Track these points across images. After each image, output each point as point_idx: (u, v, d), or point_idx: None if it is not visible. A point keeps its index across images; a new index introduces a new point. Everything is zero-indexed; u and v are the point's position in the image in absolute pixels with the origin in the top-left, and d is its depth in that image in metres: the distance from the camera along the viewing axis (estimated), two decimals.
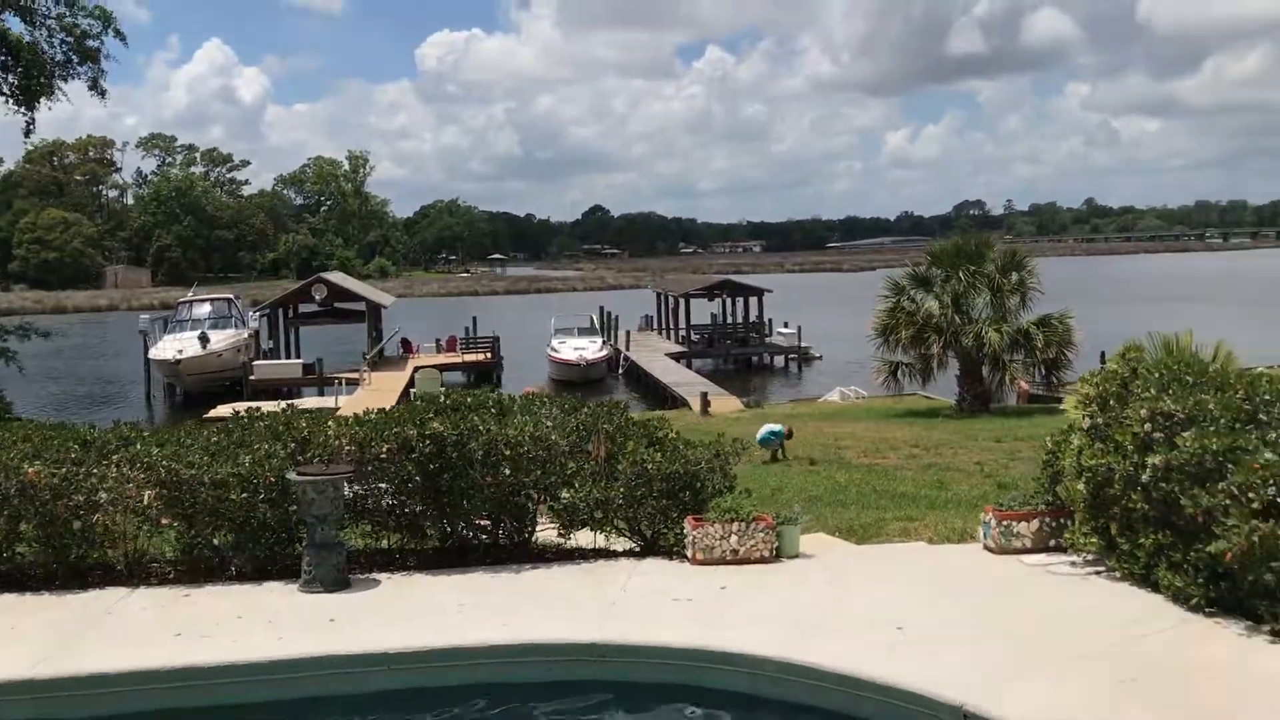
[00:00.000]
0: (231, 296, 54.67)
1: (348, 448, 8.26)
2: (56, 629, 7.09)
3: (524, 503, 8.64)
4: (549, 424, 8.61)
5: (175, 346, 46.42)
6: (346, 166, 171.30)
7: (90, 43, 28.42)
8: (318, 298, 51.38)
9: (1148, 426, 7.43)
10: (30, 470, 7.69)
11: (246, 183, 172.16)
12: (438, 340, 56.82)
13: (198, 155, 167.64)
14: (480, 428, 8.29)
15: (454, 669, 6.64)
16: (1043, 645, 6.50)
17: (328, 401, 41.43)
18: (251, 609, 7.44)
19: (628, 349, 54.70)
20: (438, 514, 8.48)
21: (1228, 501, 6.73)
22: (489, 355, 52.56)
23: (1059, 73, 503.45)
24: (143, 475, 7.96)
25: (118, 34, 29.07)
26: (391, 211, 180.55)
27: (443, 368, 52.69)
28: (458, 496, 8.39)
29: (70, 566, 8.00)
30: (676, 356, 53.32)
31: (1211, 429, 7.13)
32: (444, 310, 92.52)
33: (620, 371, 52.79)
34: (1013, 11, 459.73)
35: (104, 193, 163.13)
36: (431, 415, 8.41)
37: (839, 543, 9.88)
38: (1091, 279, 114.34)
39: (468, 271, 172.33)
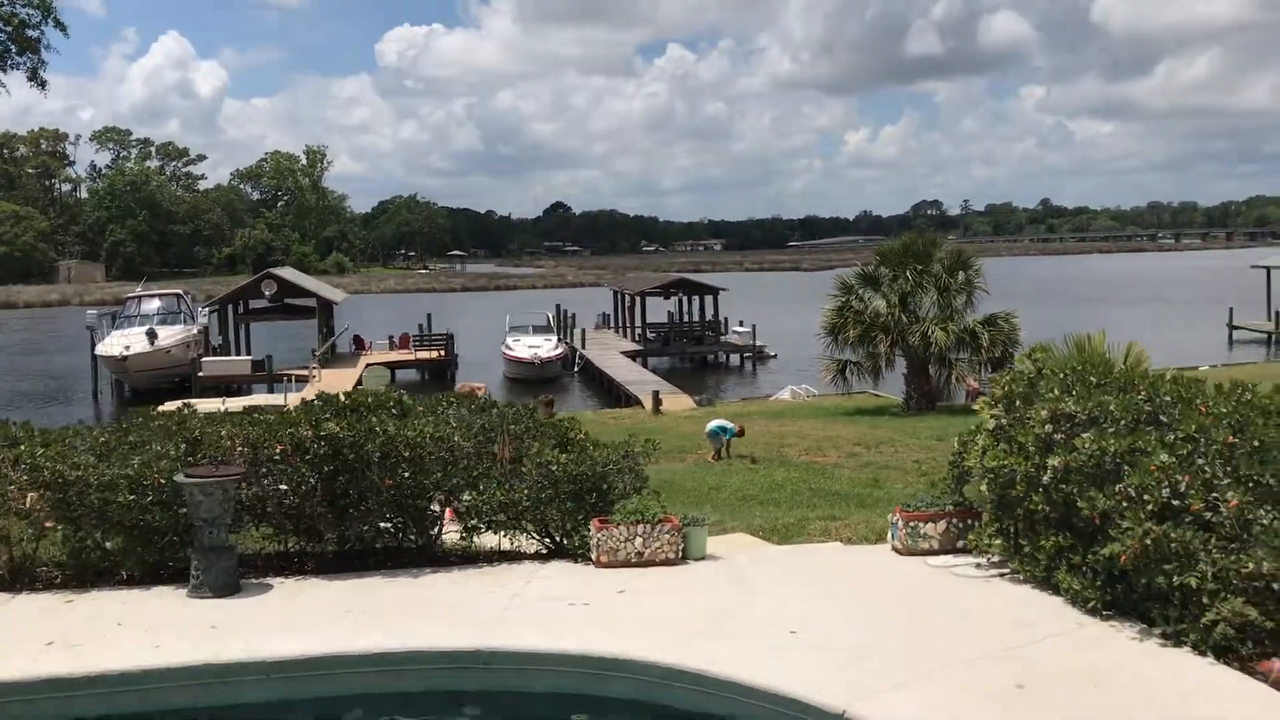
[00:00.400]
0: (180, 292, 53.87)
1: (240, 449, 8.02)
2: None
3: (425, 505, 8.44)
4: (452, 425, 8.40)
5: (123, 342, 45.69)
6: (304, 161, 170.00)
7: (30, 32, 27.92)
8: (267, 293, 50.77)
9: (1049, 428, 7.36)
10: None
11: (203, 177, 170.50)
12: (390, 337, 56.43)
13: (153, 149, 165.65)
14: (378, 429, 8.07)
15: (334, 678, 6.45)
16: (935, 648, 6.41)
17: (277, 399, 41.01)
18: (132, 616, 7.20)
19: (583, 347, 54.50)
20: (335, 517, 8.26)
21: (1124, 503, 6.66)
22: (442, 353, 52.15)
23: (1015, 75, 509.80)
24: (25, 477, 7.68)
25: (58, 24, 28.62)
26: (349, 207, 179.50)
27: (395, 365, 52.27)
28: (355, 499, 8.18)
29: None
30: (632, 355, 53.21)
31: (1111, 430, 7.06)
32: (401, 307, 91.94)
33: (575, 369, 52.57)
34: (969, 14, 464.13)
35: (57, 186, 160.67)
36: (328, 416, 8.18)
37: (759, 543, 9.78)
38: (1045, 279, 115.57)
39: (426, 268, 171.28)
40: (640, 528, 8.25)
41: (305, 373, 44.44)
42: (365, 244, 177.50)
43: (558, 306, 61.68)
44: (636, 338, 57.93)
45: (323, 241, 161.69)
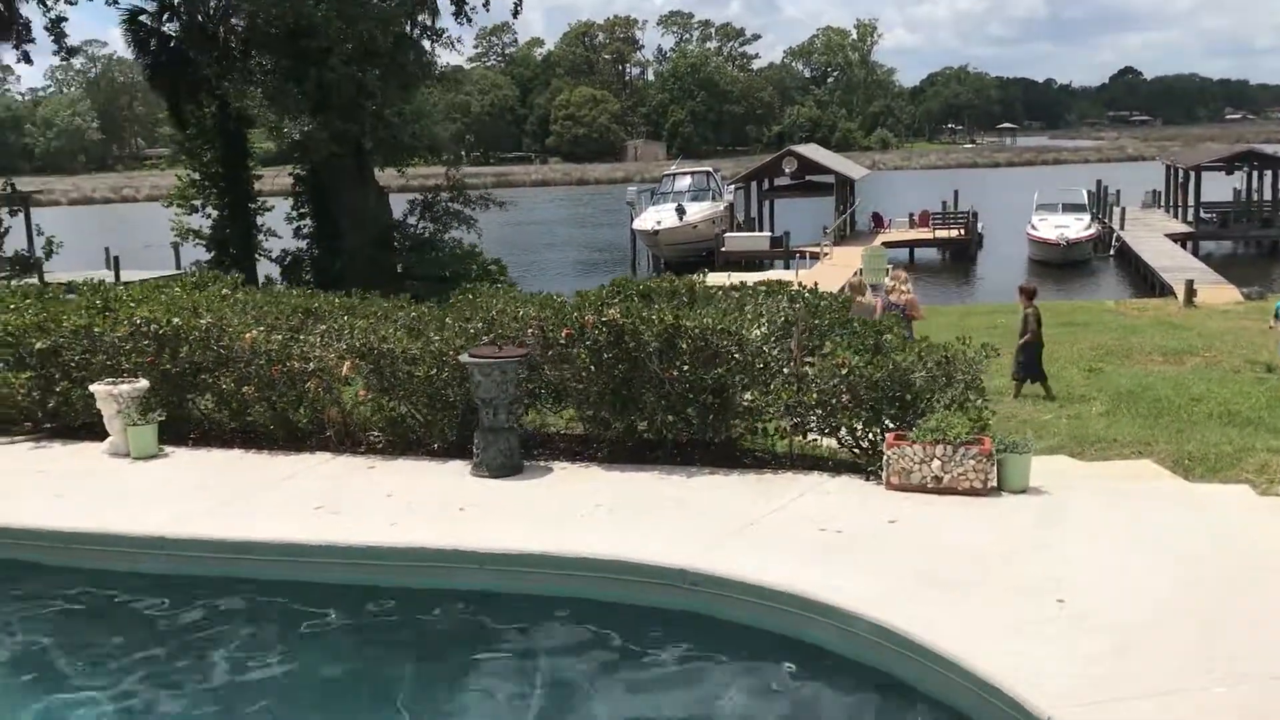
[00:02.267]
0: (710, 169, 56.19)
1: (532, 331, 7.87)
2: (230, 490, 7.51)
3: (715, 401, 7.78)
4: (748, 315, 7.60)
5: (655, 217, 48.70)
6: (854, 36, 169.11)
7: None
8: (788, 170, 51.37)
9: None
10: (247, 335, 8.13)
11: (756, 56, 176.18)
12: (911, 215, 54.80)
13: (713, 31, 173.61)
14: (655, 318, 7.50)
15: (544, 576, 6.13)
16: (1249, 645, 4.69)
17: (788, 274, 41.78)
18: (404, 489, 7.41)
19: (1122, 228, 49.14)
20: (621, 407, 7.89)
21: None
22: (963, 231, 49.76)
23: None
24: (344, 345, 8.13)
25: None
26: (897, 81, 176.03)
27: (914, 244, 50.88)
28: (636, 388, 7.73)
29: (290, 429, 8.43)
30: (1179, 238, 47.11)
31: None
32: (936, 183, 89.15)
33: (1111, 253, 47.72)
34: None
35: (628, 70, 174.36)
36: (614, 301, 7.74)
37: (1160, 474, 7.94)
38: None
39: (973, 142, 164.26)
40: (940, 449, 7.00)
41: (818, 250, 44.71)
42: (911, 119, 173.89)
43: (1098, 182, 56.14)
44: (1189, 219, 51.13)
45: (869, 117, 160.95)
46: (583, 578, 6.08)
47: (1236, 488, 7.42)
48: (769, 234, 49.25)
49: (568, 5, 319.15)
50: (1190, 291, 29.81)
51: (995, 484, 7.10)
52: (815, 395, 7.41)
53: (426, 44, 27.70)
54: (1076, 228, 45.74)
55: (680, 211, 47.79)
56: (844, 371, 7.31)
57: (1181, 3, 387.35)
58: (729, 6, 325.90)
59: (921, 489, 7.06)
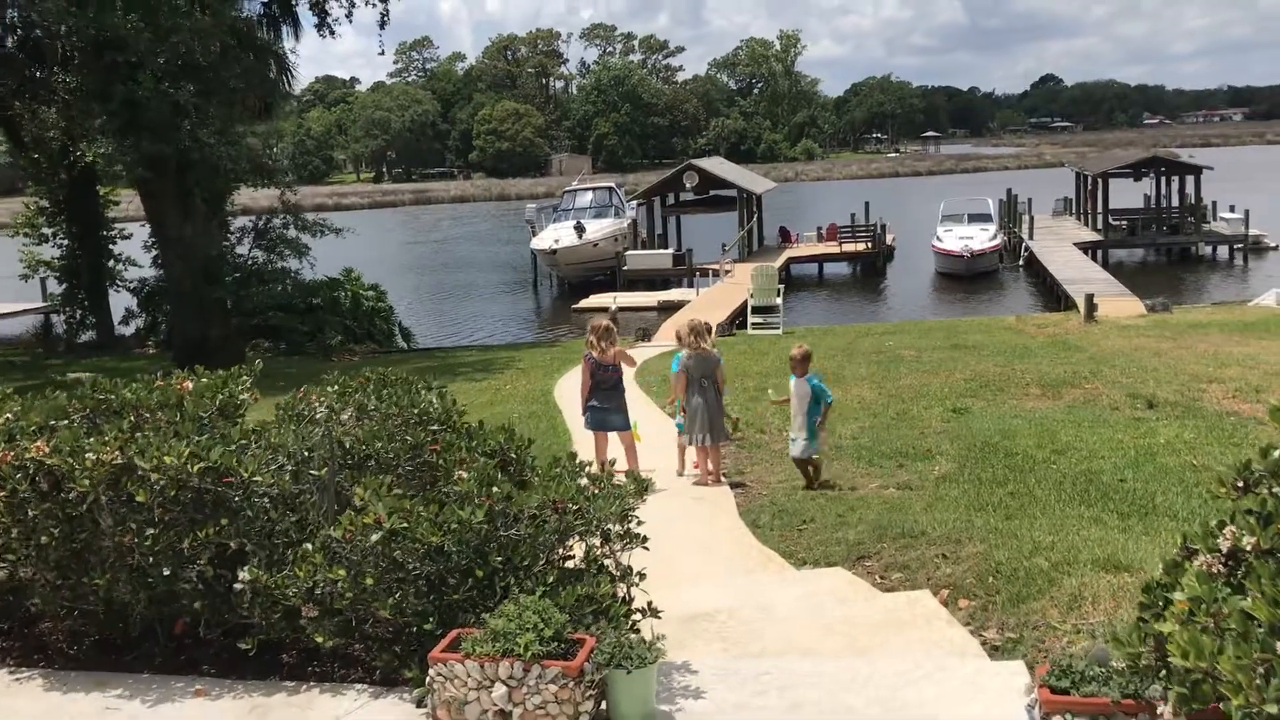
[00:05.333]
0: (613, 185, 54.45)
1: None
2: None
3: (207, 575, 5.43)
4: (268, 444, 5.36)
5: (553, 236, 46.94)
6: (778, 47, 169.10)
7: None
8: (689, 185, 49.74)
9: None
10: None
11: (680, 69, 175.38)
12: (818, 229, 53.46)
13: (635, 43, 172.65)
14: (92, 455, 5.17)
15: None
16: None
17: (689, 294, 40.02)
18: None
19: (1031, 237, 48.12)
20: (62, 589, 5.61)
21: None
22: (870, 245, 48.49)
23: None
24: None
25: None
26: (822, 91, 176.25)
27: (821, 258, 49.48)
28: (88, 560, 5.49)
29: None
30: (1087, 247, 46.18)
31: None
32: (859, 193, 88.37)
33: (1020, 264, 46.66)
34: None
35: (551, 84, 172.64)
36: (41, 432, 5.48)
37: (915, 628, 5.96)
38: None
39: (897, 151, 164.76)
40: (505, 666, 4.54)
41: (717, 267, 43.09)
42: (835, 128, 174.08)
43: (1008, 190, 55.26)
44: (1099, 226, 50.31)
45: (794, 128, 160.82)
46: None
47: (1011, 664, 5.36)
48: (672, 252, 47.56)
49: (493, 20, 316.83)
50: (1090, 306, 28.48)
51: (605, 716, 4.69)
52: (343, 572, 4.98)
53: (272, 63, 25.58)
54: (981, 239, 44.62)
55: (580, 229, 45.96)
56: (375, 537, 4.87)
57: (1098, 10, 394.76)
58: (656, 20, 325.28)
59: None
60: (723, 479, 10.75)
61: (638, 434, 10.93)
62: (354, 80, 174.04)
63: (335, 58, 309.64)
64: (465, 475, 4.88)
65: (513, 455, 5.35)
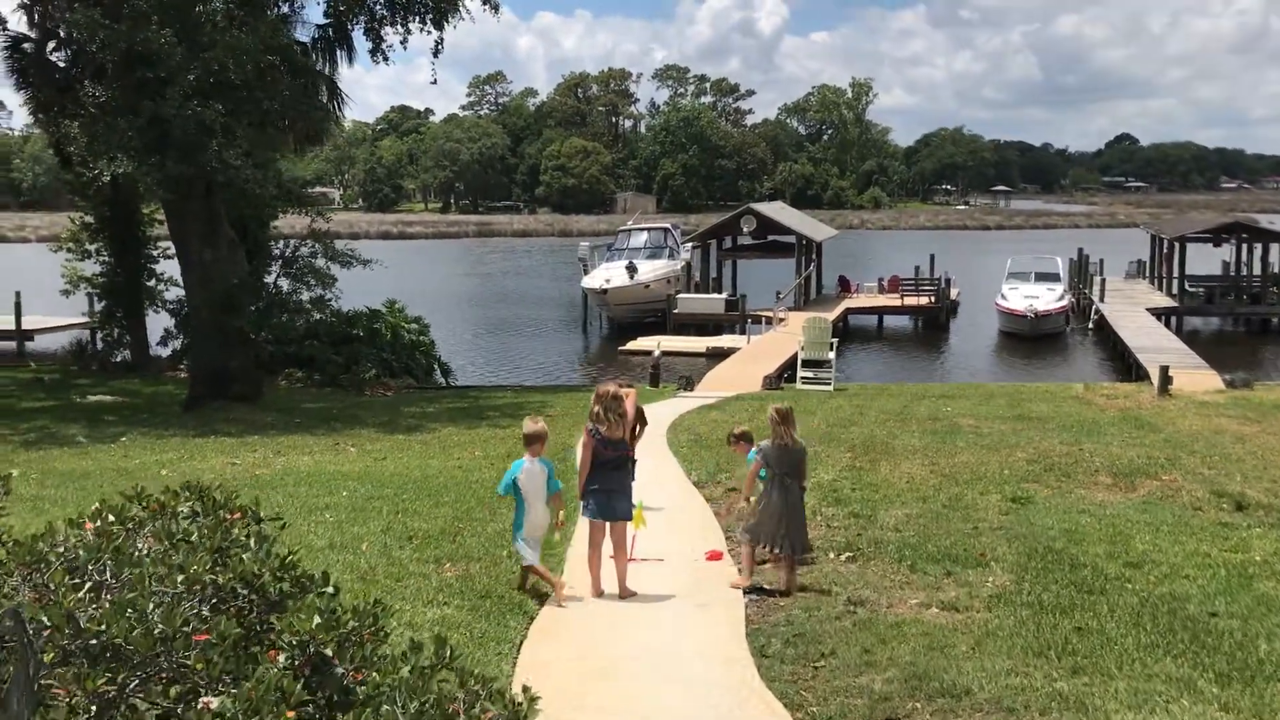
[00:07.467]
0: (669, 226, 53.14)
1: None
2: None
3: None
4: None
5: (604, 275, 45.84)
6: (849, 94, 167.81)
7: None
8: (746, 229, 48.38)
9: None
10: None
11: (750, 112, 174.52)
12: (880, 280, 51.70)
13: (707, 85, 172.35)
14: None
15: None
16: None
17: (740, 341, 38.53)
18: None
19: (1101, 299, 45.94)
20: None
21: None
22: (933, 299, 46.63)
23: None
24: None
25: None
26: (892, 140, 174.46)
27: (881, 310, 47.73)
28: None
29: None
30: (1161, 313, 43.94)
31: None
32: (926, 244, 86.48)
33: (1089, 326, 44.52)
34: None
35: (620, 123, 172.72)
36: None
37: None
38: None
39: (966, 204, 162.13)
40: None
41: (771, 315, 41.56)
42: (904, 178, 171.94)
43: (1079, 250, 53.12)
44: (1174, 291, 48.00)
45: (862, 175, 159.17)
46: None
47: None
48: (725, 296, 46.05)
49: (568, 58, 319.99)
50: (1165, 378, 26.46)
51: None
52: None
53: (323, 87, 24.68)
54: (1048, 299, 42.56)
55: (632, 269, 44.76)
56: None
57: (1175, 72, 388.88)
58: (727, 63, 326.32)
59: None
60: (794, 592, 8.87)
61: (641, 518, 9.40)
62: (428, 111, 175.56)
63: (411, 89, 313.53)
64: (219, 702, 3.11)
65: (348, 637, 3.48)
